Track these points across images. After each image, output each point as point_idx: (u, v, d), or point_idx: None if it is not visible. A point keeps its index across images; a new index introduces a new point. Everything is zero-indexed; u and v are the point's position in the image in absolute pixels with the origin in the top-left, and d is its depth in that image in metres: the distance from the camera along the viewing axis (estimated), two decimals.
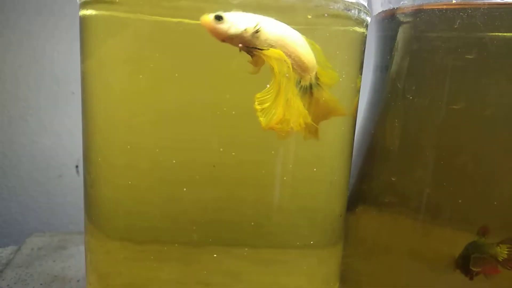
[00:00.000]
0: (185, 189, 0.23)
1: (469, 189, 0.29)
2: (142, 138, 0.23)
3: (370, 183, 0.33)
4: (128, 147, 0.23)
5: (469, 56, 0.28)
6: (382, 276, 0.33)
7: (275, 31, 0.20)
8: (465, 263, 0.29)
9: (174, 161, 0.23)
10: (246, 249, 0.25)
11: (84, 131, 0.26)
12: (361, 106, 0.30)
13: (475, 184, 0.29)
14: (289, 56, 0.21)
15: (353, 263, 0.34)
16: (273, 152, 0.24)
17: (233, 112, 0.22)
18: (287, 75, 0.21)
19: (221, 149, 0.23)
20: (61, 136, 0.58)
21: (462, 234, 0.30)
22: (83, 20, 0.26)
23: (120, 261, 0.26)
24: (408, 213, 0.31)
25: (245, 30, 0.20)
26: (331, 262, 0.29)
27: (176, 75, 0.22)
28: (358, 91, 0.27)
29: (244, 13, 0.20)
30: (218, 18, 0.19)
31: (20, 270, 0.42)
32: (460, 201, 0.29)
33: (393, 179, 0.30)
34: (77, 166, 0.59)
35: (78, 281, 0.41)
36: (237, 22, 0.20)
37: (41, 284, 0.40)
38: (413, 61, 0.30)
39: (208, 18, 0.19)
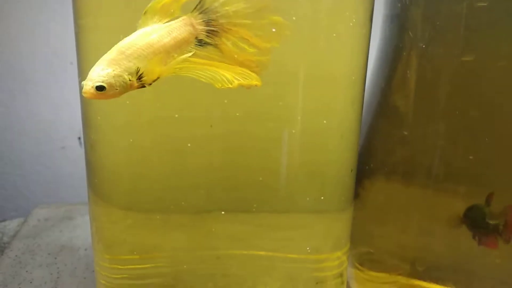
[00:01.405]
0: (189, 145, 0.22)
1: (483, 144, 0.28)
2: (141, 92, 0.22)
3: (381, 138, 0.32)
4: (127, 102, 0.22)
5: (482, 4, 0.27)
6: (393, 236, 0.32)
7: (146, 54, 0.18)
8: (469, 223, 0.28)
9: (176, 116, 0.22)
10: (255, 211, 0.24)
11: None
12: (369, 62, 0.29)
13: (490, 139, 0.28)
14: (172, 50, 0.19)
15: (364, 224, 0.33)
16: (280, 103, 0.22)
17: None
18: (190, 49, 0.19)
19: (225, 101, 0.22)
20: (61, 108, 0.57)
21: (474, 191, 0.29)
22: None
23: (125, 229, 0.26)
24: (421, 168, 0.30)
25: (131, 81, 0.18)
26: (342, 220, 0.28)
27: None
28: (369, 39, 0.26)
29: (119, 56, 0.18)
30: (101, 88, 0.18)
31: (27, 241, 0.42)
32: (471, 157, 0.28)
33: (405, 133, 0.29)
34: (79, 138, 0.58)
35: (85, 249, 0.41)
36: (118, 80, 0.18)
37: (49, 254, 0.40)
38: (426, 7, 0.28)
39: (90, 91, 0.18)
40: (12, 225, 0.48)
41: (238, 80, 0.19)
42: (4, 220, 0.49)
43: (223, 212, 0.24)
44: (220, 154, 0.23)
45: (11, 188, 0.58)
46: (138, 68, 0.18)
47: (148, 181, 0.24)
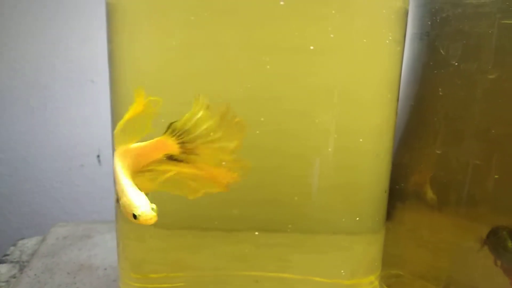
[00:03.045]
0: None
1: None
2: (176, 109, 0.22)
3: (412, 158, 0.31)
4: (163, 120, 0.21)
5: (508, 21, 0.27)
6: (425, 260, 0.31)
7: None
8: (491, 246, 0.27)
9: None
10: (288, 233, 0.24)
11: (113, 110, 0.25)
12: None
13: None
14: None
15: (394, 247, 0.32)
16: (316, 121, 0.22)
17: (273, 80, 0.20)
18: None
19: (262, 119, 0.21)
20: (80, 125, 0.57)
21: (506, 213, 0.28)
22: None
23: (154, 247, 0.25)
24: (453, 188, 0.29)
25: None
26: (375, 243, 0.27)
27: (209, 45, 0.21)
28: (402, 57, 0.25)
29: None
30: None
31: (46, 259, 0.42)
32: (496, 176, 0.27)
33: (438, 152, 0.29)
34: (98, 156, 0.58)
35: (105, 269, 0.40)
36: None
37: (68, 273, 0.39)
38: (457, 25, 0.28)
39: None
40: (30, 243, 0.47)
41: (205, 189, 0.20)
42: (22, 239, 0.48)
43: (255, 239, 0.23)
44: (254, 173, 0.23)
45: (29, 205, 0.58)
46: None
47: (179, 197, 0.24)
